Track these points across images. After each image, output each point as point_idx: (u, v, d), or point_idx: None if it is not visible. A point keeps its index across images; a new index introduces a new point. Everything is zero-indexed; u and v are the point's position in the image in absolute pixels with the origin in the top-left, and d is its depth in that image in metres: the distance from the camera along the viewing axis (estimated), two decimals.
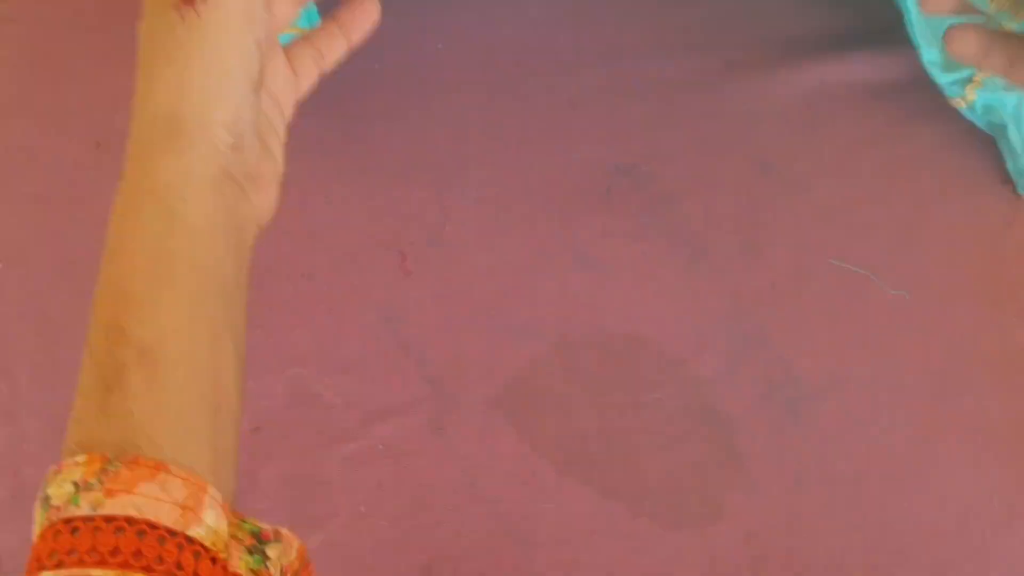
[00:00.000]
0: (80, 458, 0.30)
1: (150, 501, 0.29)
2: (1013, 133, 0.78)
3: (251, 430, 0.72)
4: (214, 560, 0.30)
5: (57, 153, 0.82)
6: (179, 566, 0.29)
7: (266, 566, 0.32)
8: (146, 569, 0.28)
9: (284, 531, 0.34)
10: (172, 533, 0.29)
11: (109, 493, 0.29)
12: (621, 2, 0.90)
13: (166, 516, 0.29)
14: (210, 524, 0.30)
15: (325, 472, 0.71)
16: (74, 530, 0.28)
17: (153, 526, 0.29)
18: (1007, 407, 0.75)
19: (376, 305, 0.75)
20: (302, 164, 0.82)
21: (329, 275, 0.78)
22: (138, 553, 0.28)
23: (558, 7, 0.90)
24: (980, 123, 0.80)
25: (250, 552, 0.32)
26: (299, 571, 0.34)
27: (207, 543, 0.30)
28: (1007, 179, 0.82)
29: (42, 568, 0.29)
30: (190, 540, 0.29)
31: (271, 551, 0.33)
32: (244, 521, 0.33)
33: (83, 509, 0.29)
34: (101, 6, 0.88)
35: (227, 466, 0.34)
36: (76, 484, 0.30)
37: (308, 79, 0.43)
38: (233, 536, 0.32)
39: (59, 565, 0.28)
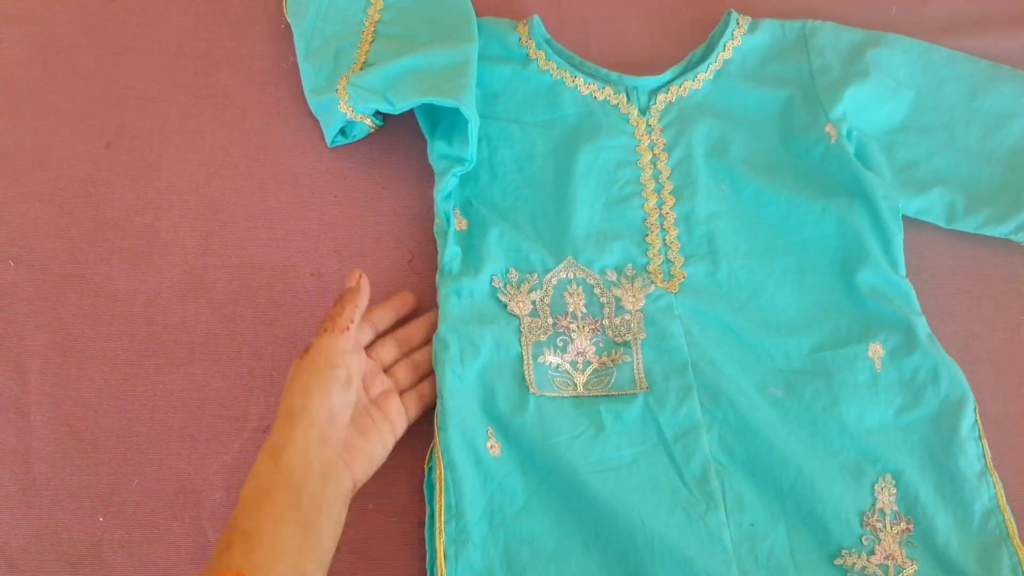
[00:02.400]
0: None
1: None
2: None
3: (262, 428, 0.73)
4: None
5: (67, 152, 0.82)
6: None
7: None
8: None
9: None
10: None
11: None
12: None
13: None
14: None
15: None
16: None
17: None
18: (1012, 404, 0.75)
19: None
20: (311, 163, 0.82)
21: (338, 274, 0.78)
22: None
23: None
24: None
25: None
26: None
27: None
28: None
29: None
30: None
31: None
32: None
33: None
34: (110, 7, 0.89)
35: None
36: None
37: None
38: None
39: None
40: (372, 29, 0.81)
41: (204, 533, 0.69)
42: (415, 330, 0.73)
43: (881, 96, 0.81)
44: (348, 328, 0.64)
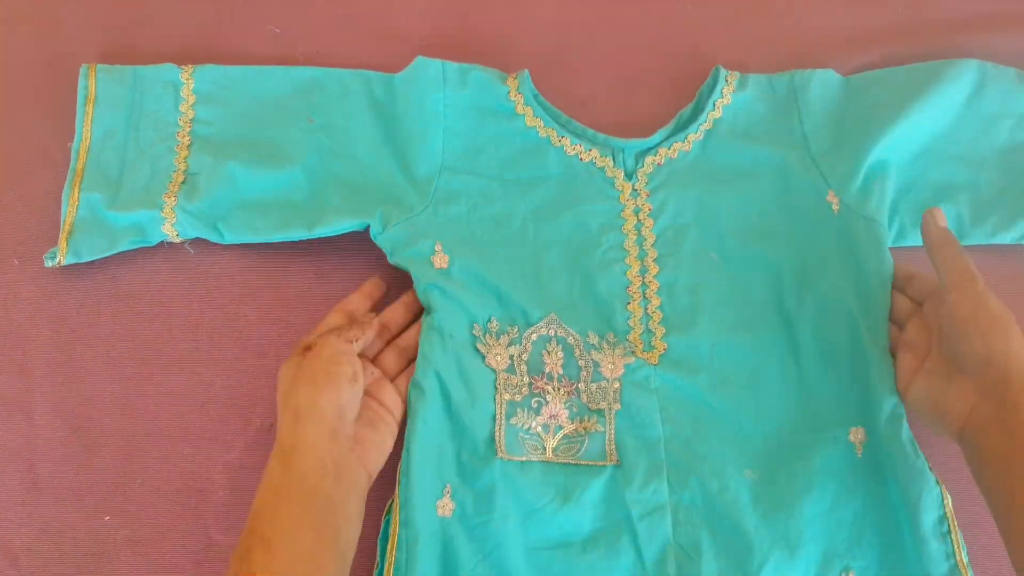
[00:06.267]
0: None
1: None
2: None
3: (266, 427, 0.73)
4: None
5: None
6: None
7: None
8: None
9: None
10: None
11: None
12: None
13: None
14: None
15: None
16: None
17: None
18: None
19: (387, 302, 0.75)
20: None
21: (340, 272, 0.78)
22: None
23: None
24: None
25: None
26: None
27: None
28: None
29: None
30: None
31: None
32: None
33: None
34: (117, 7, 0.88)
35: None
36: None
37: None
38: None
39: None
40: (188, 129, 0.77)
41: (208, 532, 0.70)
42: (393, 315, 0.73)
43: (886, 146, 0.78)
44: (356, 341, 0.66)
